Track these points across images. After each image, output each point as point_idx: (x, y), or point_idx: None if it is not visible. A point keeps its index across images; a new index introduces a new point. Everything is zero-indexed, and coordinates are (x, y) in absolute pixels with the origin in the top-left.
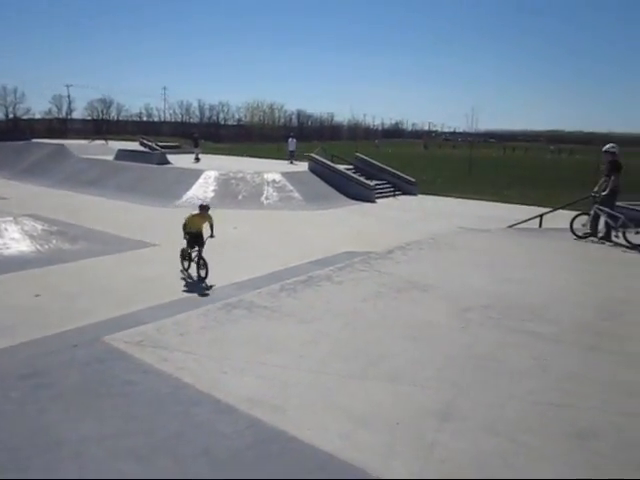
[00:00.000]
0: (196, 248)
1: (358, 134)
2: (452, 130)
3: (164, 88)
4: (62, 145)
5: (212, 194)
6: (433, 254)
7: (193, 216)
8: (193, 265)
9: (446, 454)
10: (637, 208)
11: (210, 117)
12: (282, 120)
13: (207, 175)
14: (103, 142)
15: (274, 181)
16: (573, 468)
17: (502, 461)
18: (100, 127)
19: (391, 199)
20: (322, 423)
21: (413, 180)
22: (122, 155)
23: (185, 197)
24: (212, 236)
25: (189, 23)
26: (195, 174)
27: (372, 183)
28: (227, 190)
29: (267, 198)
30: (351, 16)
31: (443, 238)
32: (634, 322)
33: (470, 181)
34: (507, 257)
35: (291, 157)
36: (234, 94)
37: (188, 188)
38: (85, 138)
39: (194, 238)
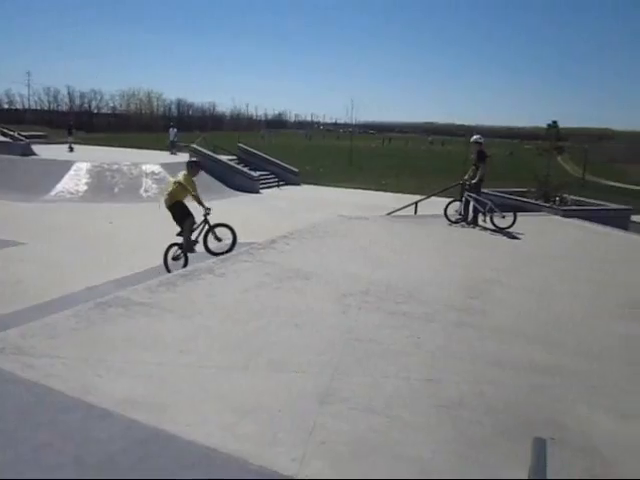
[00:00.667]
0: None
1: (241, 124)
2: (334, 121)
3: (28, 73)
4: None
5: (85, 187)
6: (315, 242)
7: (185, 176)
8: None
9: (326, 435)
10: (501, 194)
11: (81, 105)
12: (161, 109)
13: (78, 167)
14: None
15: (153, 173)
16: (441, 434)
17: (378, 435)
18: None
19: (275, 189)
20: (203, 418)
21: (296, 170)
22: None
23: (54, 191)
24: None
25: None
26: (65, 166)
27: (256, 174)
28: (102, 183)
29: (146, 191)
30: (235, 6)
31: (324, 227)
32: (497, 299)
33: (351, 171)
34: (384, 243)
35: (172, 148)
36: (107, 82)
37: (57, 181)
38: None
39: (181, 211)
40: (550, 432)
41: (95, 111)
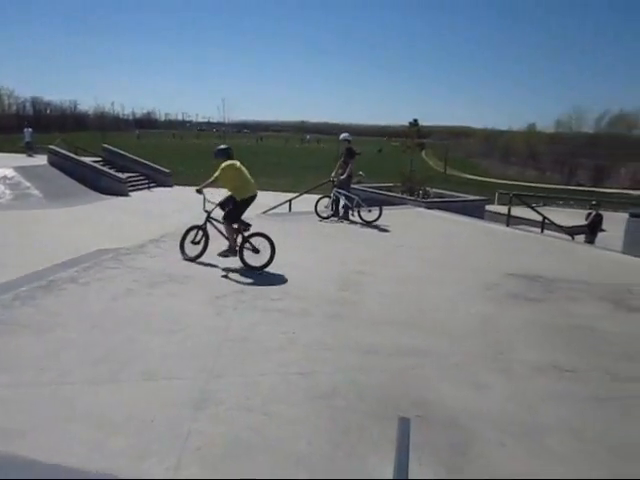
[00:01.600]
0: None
1: (106, 124)
2: (207, 120)
3: None
4: None
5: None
6: None
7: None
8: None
9: (202, 440)
10: (369, 190)
11: None
12: (14, 107)
13: None
14: None
15: (6, 177)
16: (316, 425)
17: (255, 434)
18: None
19: (146, 191)
20: (68, 438)
21: (168, 171)
22: None
23: None
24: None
25: None
26: None
27: (124, 176)
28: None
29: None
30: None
31: None
32: (368, 289)
33: None
34: None
35: (28, 149)
36: None
37: None
38: None
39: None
40: (417, 411)
41: None
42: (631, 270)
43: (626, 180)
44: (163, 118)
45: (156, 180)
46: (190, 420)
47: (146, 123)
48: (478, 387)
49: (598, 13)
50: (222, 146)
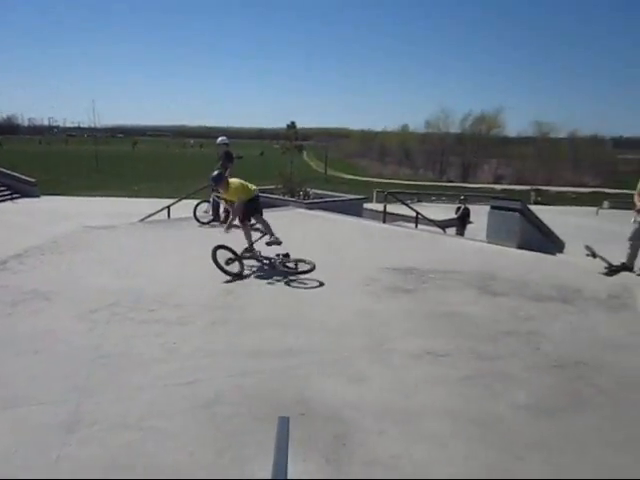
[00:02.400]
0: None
1: None
2: (77, 125)
3: None
4: None
5: None
6: (56, 258)
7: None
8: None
9: (73, 465)
10: None
11: None
12: None
13: None
14: None
15: None
16: (198, 435)
17: (131, 451)
18: None
19: (9, 203)
20: None
21: (33, 180)
22: None
23: None
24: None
25: None
26: None
27: None
28: None
29: None
30: None
31: (66, 240)
32: (251, 293)
33: (98, 178)
34: (135, 251)
35: None
36: None
37: None
38: None
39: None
40: (300, 409)
41: None
42: (494, 257)
43: (490, 175)
44: (26, 123)
45: (20, 190)
46: (60, 445)
47: (7, 129)
48: (358, 380)
49: (450, 19)
50: (215, 173)
